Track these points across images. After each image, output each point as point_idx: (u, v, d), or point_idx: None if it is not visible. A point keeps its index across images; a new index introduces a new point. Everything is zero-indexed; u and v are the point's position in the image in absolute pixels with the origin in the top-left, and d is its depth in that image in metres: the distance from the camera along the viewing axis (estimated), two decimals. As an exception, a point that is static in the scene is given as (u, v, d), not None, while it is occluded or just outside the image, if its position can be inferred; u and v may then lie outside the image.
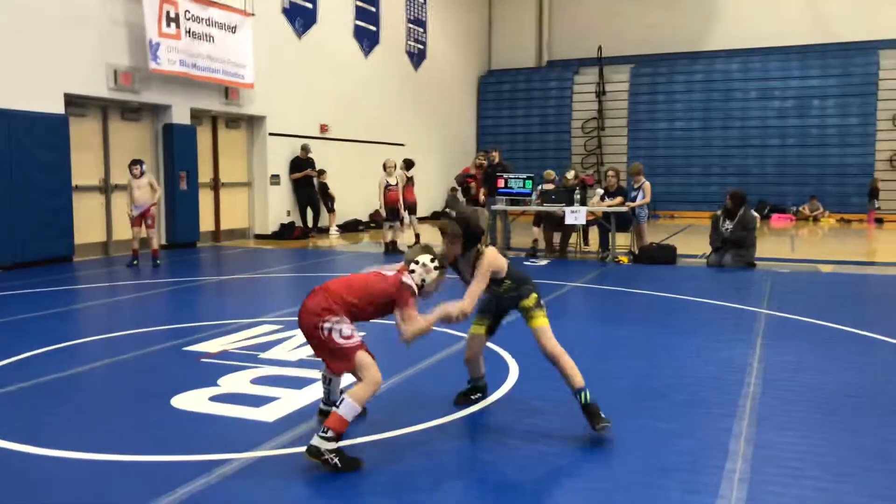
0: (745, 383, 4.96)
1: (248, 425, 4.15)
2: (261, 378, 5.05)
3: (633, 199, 11.94)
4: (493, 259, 4.10)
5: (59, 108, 11.23)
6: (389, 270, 3.91)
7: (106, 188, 12.53)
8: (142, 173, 10.76)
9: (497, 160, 13.49)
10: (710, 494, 3.28)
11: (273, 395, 4.67)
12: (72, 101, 11.58)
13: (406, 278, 3.84)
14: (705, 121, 22.64)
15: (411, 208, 13.43)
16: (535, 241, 12.71)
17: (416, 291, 3.87)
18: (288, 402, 4.55)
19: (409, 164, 13.82)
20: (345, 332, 3.65)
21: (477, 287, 4.04)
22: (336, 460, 3.42)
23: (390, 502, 3.19)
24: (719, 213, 11.37)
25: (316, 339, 3.68)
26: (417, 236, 13.40)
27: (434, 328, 3.92)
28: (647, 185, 12.05)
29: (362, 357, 3.66)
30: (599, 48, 23.79)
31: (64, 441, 3.86)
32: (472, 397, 4.51)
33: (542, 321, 4.17)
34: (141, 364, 5.66)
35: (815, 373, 5.25)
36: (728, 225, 11.02)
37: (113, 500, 3.20)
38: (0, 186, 10.37)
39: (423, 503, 3.19)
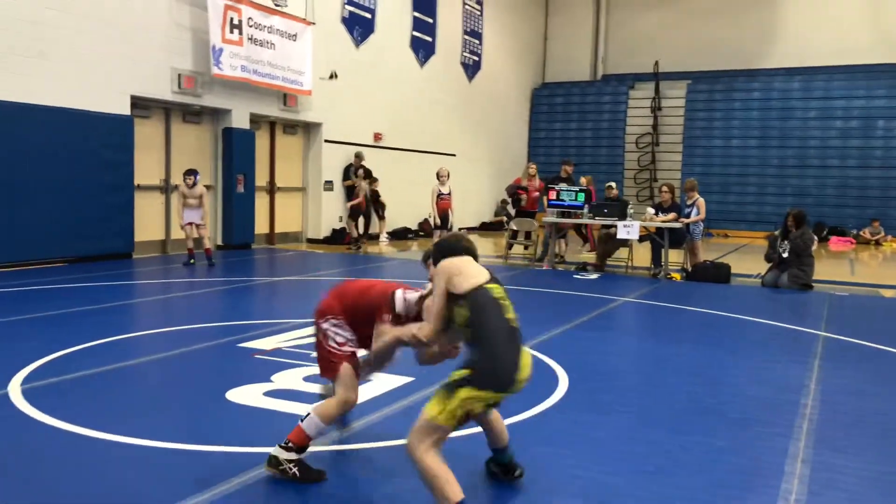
0: (801, 404, 4.85)
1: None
2: (313, 376, 5.12)
3: (687, 216, 11.78)
4: (446, 266, 3.16)
5: (125, 109, 11.60)
6: (407, 289, 3.59)
7: (166, 188, 12.88)
8: (195, 183, 11.03)
9: (569, 174, 13.49)
10: (764, 513, 3.22)
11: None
12: (137, 102, 11.95)
13: (399, 293, 3.54)
14: (763, 139, 22.21)
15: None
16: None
17: (398, 308, 3.51)
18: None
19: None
20: (338, 338, 3.55)
21: (434, 304, 3.16)
22: (295, 470, 3.35)
23: None
24: (776, 232, 11.14)
25: (315, 339, 3.65)
26: None
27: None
28: (702, 201, 11.88)
29: (345, 371, 3.50)
30: (656, 63, 23.59)
31: (125, 427, 3.98)
32: (514, 474, 3.47)
33: (434, 409, 2.95)
34: (197, 358, 5.80)
35: (875, 398, 5.10)
36: (786, 245, 10.78)
37: (170, 486, 3.28)
38: (67, 183, 10.76)
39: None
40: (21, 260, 9.76)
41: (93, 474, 3.44)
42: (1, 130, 9.84)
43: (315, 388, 4.84)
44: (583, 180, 13.43)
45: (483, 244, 17.68)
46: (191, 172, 11.06)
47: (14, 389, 4.63)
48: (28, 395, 4.53)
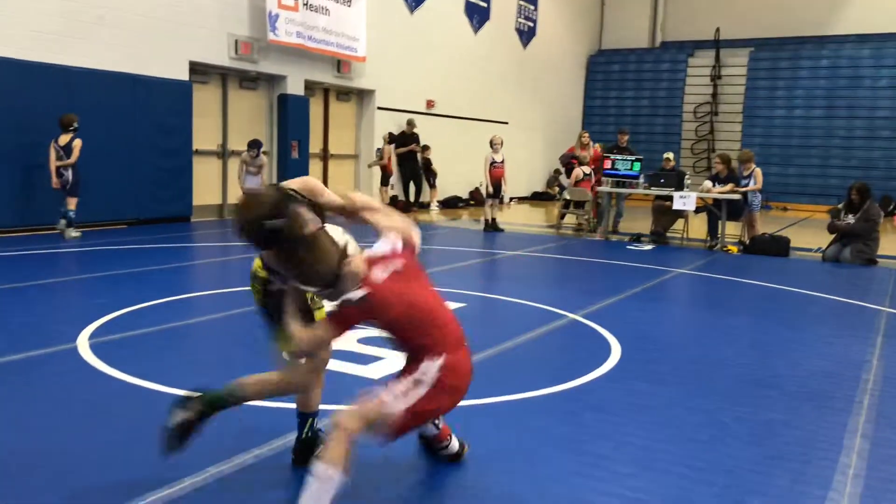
0: (862, 380, 4.73)
1: (356, 381, 4.30)
2: (367, 339, 5.20)
3: (744, 186, 11.48)
4: None
5: (183, 75, 11.80)
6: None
7: (223, 153, 13.10)
8: (257, 156, 11.26)
9: (625, 143, 13.29)
10: (821, 486, 3.17)
11: (378, 354, 4.82)
12: (195, 68, 12.14)
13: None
14: (828, 109, 21.42)
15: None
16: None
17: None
18: (392, 362, 4.68)
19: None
20: None
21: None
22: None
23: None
24: (840, 206, 10.80)
25: None
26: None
27: None
28: (759, 171, 11.55)
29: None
30: (717, 30, 22.88)
31: (187, 382, 4.11)
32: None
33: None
34: (253, 319, 5.92)
35: (941, 375, 4.95)
36: (849, 219, 10.45)
37: (232, 439, 3.39)
38: (128, 147, 11.04)
39: (518, 471, 3.23)
40: (85, 221, 10.08)
41: (154, 425, 3.56)
42: (64, 95, 10.11)
43: (370, 350, 4.93)
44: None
45: (535, 214, 17.57)
46: (254, 145, 11.31)
47: (83, 343, 4.83)
48: (95, 349, 4.72)
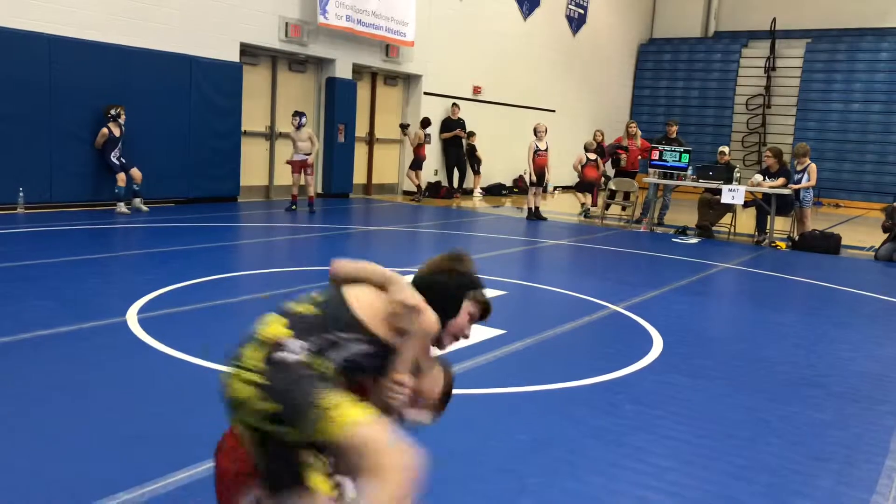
0: (912, 383, 4.61)
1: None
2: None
3: (797, 182, 11.22)
4: None
5: (234, 56, 11.95)
6: None
7: (271, 135, 13.25)
8: (300, 125, 11.33)
9: (674, 135, 13.10)
10: (865, 490, 3.11)
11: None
12: (246, 50, 12.28)
13: None
14: (888, 104, 20.73)
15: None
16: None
17: None
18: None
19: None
20: None
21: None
22: None
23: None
24: (896, 203, 10.51)
25: None
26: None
27: None
28: (813, 167, 11.26)
29: None
30: (773, 20, 22.28)
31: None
32: None
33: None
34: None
35: None
36: (904, 217, 10.14)
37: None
38: (180, 127, 11.24)
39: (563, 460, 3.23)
40: (130, 195, 10.31)
41: (202, 400, 3.66)
42: (117, 74, 10.33)
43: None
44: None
45: (579, 204, 17.43)
46: (296, 114, 11.40)
47: (132, 317, 4.96)
48: (144, 323, 4.84)
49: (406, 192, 16.08)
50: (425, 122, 15.19)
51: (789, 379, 4.59)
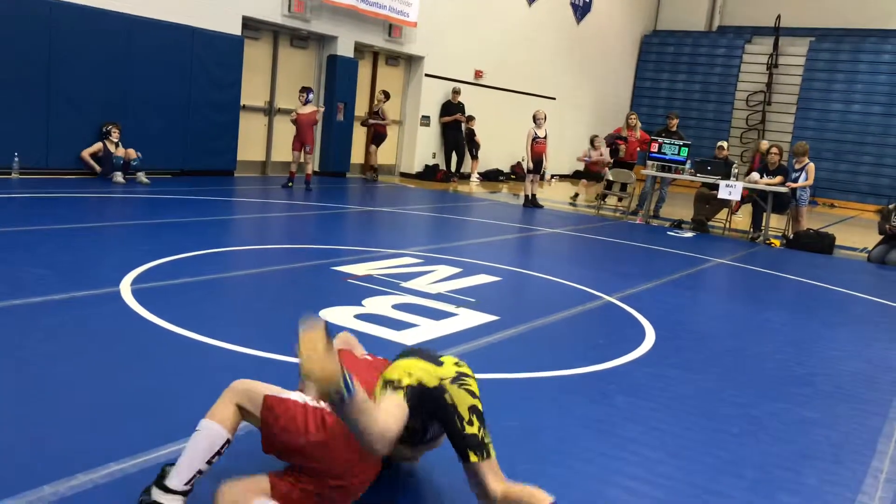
0: (901, 385, 4.65)
1: (389, 345, 4.34)
2: (402, 305, 5.25)
3: (795, 180, 11.23)
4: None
5: (236, 29, 11.85)
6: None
7: (270, 110, 13.17)
8: (307, 101, 11.29)
9: (674, 128, 13.06)
10: (851, 489, 3.13)
11: (413, 321, 4.85)
12: (248, 24, 12.17)
13: None
14: (888, 106, 20.74)
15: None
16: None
17: None
18: (426, 329, 4.72)
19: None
20: None
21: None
22: None
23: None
24: (891, 206, 10.53)
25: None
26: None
27: None
28: (812, 166, 11.28)
29: None
30: (778, 17, 22.23)
31: (225, 334, 4.20)
32: None
33: None
34: (292, 276, 6.02)
35: (984, 387, 4.83)
36: (900, 220, 10.18)
37: (266, 392, 3.45)
38: (179, 97, 11.16)
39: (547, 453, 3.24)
40: (133, 169, 10.24)
41: (193, 373, 3.66)
42: (118, 42, 10.23)
43: (403, 315, 4.96)
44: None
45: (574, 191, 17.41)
46: (304, 89, 11.38)
47: (125, 288, 4.94)
48: (137, 294, 4.82)
49: (403, 174, 16.02)
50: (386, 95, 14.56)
51: (779, 376, 4.62)
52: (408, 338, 4.50)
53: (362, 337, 4.45)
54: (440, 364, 2.51)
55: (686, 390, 4.15)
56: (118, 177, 9.90)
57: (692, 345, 5.17)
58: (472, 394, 2.48)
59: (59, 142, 9.83)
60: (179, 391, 3.40)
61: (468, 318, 5.07)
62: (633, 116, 14.24)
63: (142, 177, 10.15)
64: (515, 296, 6.38)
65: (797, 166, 11.33)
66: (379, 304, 5.19)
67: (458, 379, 2.48)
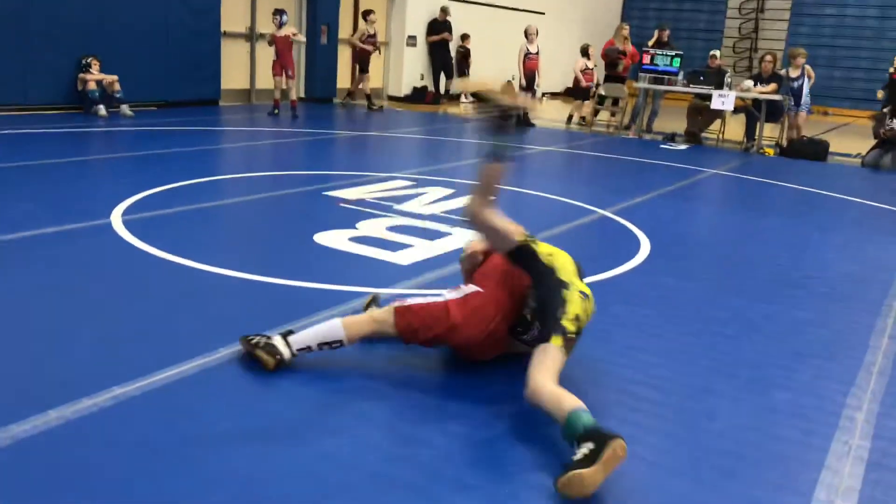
0: (892, 284, 4.68)
1: (385, 266, 4.34)
2: (396, 227, 5.23)
3: (799, 87, 11.04)
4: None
5: (212, -49, 11.42)
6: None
7: (251, 36, 12.82)
8: (282, 24, 10.95)
9: (665, 39, 12.77)
10: (844, 382, 3.19)
11: (407, 242, 4.84)
12: (224, -55, 11.73)
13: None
14: (883, 9, 20.27)
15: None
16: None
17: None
18: (421, 250, 4.71)
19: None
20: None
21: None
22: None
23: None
24: (885, 110, 10.43)
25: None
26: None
27: None
28: (809, 67, 11.11)
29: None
30: (772, -81, 21.47)
31: (219, 259, 4.18)
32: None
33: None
34: (284, 202, 5.97)
35: (976, 283, 4.88)
36: (894, 124, 10.09)
37: (262, 313, 3.46)
38: (156, 27, 10.84)
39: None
40: (116, 102, 10.03)
41: (190, 298, 3.66)
42: (93, -30, 9.87)
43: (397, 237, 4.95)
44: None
45: (568, 110, 17.19)
46: (277, 12, 11.02)
47: (116, 220, 4.90)
48: (129, 225, 4.78)
49: (391, 97, 15.74)
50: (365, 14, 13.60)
51: (773, 280, 4.65)
52: (403, 258, 4.50)
53: (359, 259, 4.45)
54: (581, 278, 2.92)
55: (682, 297, 4.19)
56: (101, 110, 9.71)
57: (687, 253, 5.18)
58: (582, 312, 2.78)
59: (37, 77, 9.58)
60: (177, 316, 3.41)
61: (463, 238, 5.05)
62: (626, 29, 13.89)
63: (125, 109, 9.95)
64: (509, 214, 6.29)
65: (794, 73, 11.12)
66: (373, 227, 5.16)
67: (584, 294, 2.82)
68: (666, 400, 2.93)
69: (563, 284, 2.79)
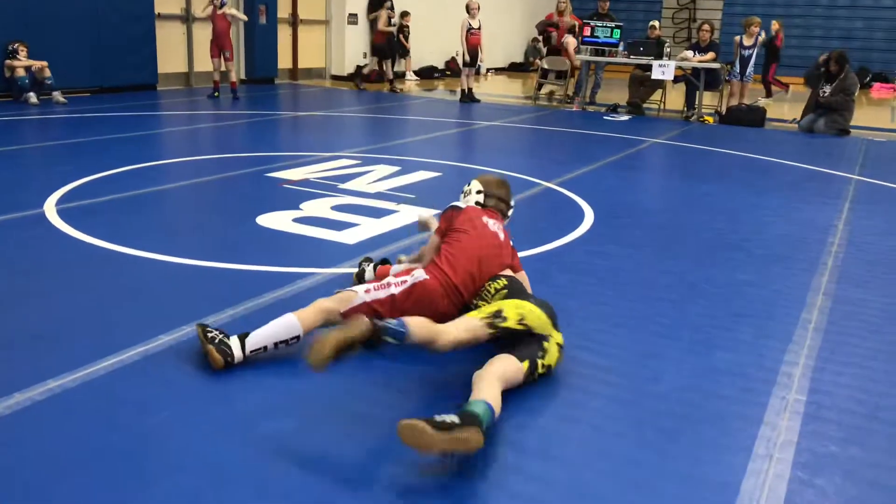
0: (827, 243, 4.83)
1: (330, 246, 4.30)
2: (341, 206, 5.17)
3: (749, 56, 11.31)
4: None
5: (140, -70, 11.03)
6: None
7: (187, 17, 12.48)
8: (222, 4, 10.64)
9: (605, 10, 12.80)
10: (783, 340, 3.28)
11: (353, 221, 4.80)
12: (153, -77, 11.34)
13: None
14: (813, -23, 20.74)
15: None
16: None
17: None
18: (367, 228, 4.68)
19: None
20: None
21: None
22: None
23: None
24: (820, 60, 10.74)
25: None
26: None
27: None
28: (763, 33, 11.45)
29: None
30: None
31: (158, 246, 4.09)
32: None
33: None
34: (225, 185, 5.86)
35: (904, 239, 5.07)
36: (827, 89, 10.37)
37: (205, 300, 3.40)
38: (86, 10, 10.47)
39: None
40: (47, 89, 9.67)
41: (129, 286, 3.57)
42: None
43: (340, 216, 4.91)
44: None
45: (512, 86, 17.21)
46: None
47: (50, 209, 4.74)
48: (63, 214, 4.64)
49: (334, 77, 15.52)
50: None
51: (714, 244, 4.75)
52: (348, 237, 4.46)
53: (302, 240, 4.40)
54: (555, 324, 2.93)
55: (626, 265, 4.25)
56: (32, 98, 9.36)
57: (630, 222, 5.26)
58: (554, 363, 2.84)
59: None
60: (117, 305, 3.32)
61: (409, 215, 5.04)
62: (564, 2, 13.93)
63: (58, 96, 9.60)
64: (456, 190, 6.32)
65: (748, 41, 11.35)
66: (317, 207, 5.10)
67: (560, 346, 2.88)
68: (610, 365, 2.97)
69: (543, 338, 2.83)
